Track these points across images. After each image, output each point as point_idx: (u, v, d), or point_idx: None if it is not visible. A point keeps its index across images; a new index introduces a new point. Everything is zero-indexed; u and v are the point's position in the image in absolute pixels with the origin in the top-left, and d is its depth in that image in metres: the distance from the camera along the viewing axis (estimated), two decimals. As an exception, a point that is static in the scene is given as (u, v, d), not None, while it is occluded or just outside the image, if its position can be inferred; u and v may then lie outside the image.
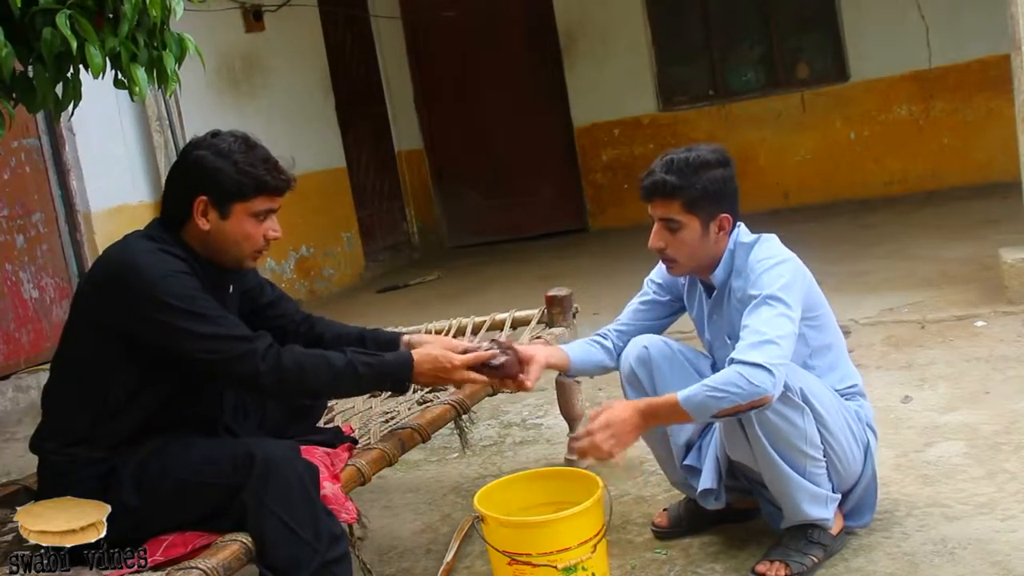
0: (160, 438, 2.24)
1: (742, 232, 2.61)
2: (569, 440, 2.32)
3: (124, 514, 2.15)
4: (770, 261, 2.49)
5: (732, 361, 2.34)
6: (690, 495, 2.80)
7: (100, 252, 2.46)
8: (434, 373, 2.42)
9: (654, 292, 2.85)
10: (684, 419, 2.42)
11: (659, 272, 2.84)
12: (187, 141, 2.38)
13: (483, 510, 2.35)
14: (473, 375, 2.46)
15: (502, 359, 2.50)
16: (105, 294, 2.21)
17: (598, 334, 2.84)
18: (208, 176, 2.25)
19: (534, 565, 2.25)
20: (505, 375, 2.53)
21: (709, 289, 2.68)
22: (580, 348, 2.80)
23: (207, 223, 2.27)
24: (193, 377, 2.26)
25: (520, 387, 2.57)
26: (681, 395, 2.35)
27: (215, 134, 2.32)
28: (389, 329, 2.81)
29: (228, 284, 2.43)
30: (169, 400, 2.26)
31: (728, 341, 2.55)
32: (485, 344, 2.58)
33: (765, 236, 2.61)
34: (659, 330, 2.83)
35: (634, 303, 2.87)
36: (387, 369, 2.35)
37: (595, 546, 2.31)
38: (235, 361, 2.18)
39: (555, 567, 2.25)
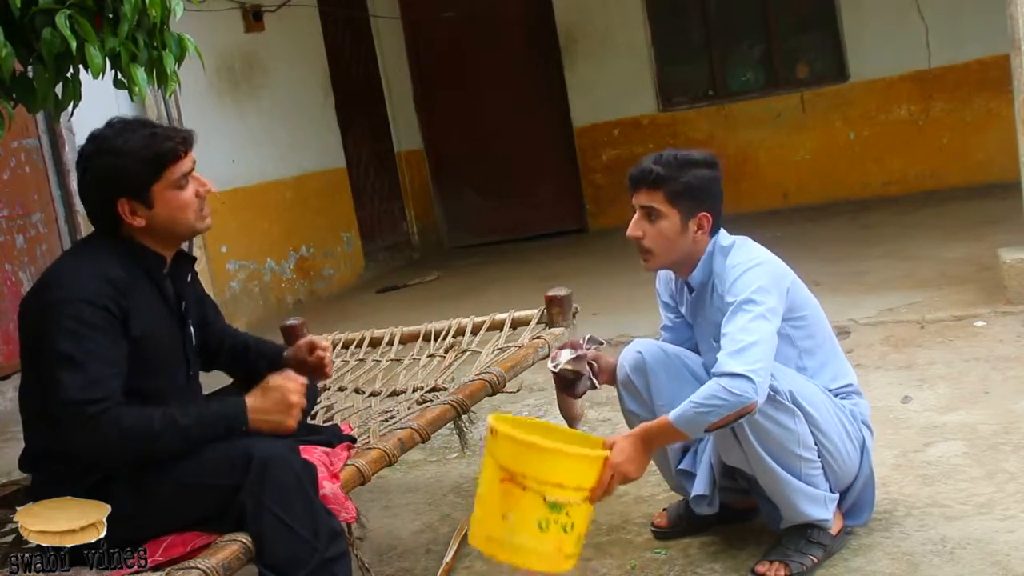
0: None
1: (722, 235, 2.63)
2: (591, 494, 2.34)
3: (122, 518, 2.14)
4: (744, 266, 2.51)
5: (713, 374, 2.37)
6: (686, 498, 2.80)
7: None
8: (272, 422, 2.28)
9: (668, 317, 2.88)
10: (680, 437, 2.46)
11: (663, 289, 2.85)
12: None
13: (498, 424, 2.33)
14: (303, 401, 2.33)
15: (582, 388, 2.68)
16: (30, 311, 2.23)
17: None
18: (113, 180, 2.22)
19: (524, 488, 2.23)
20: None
21: (690, 289, 2.71)
22: None
23: (140, 219, 2.24)
24: (144, 387, 2.23)
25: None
26: (672, 415, 2.38)
27: (94, 137, 2.26)
28: (308, 338, 2.72)
29: (185, 274, 2.42)
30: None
31: (714, 344, 2.56)
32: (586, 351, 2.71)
33: (740, 239, 2.63)
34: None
35: (661, 333, 2.90)
36: (215, 424, 2.24)
37: (586, 500, 2.29)
38: (60, 421, 2.12)
39: (544, 497, 2.22)
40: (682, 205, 2.56)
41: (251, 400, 2.28)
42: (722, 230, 2.64)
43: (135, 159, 2.20)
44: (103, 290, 2.16)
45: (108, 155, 2.22)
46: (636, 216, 2.61)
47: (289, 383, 2.32)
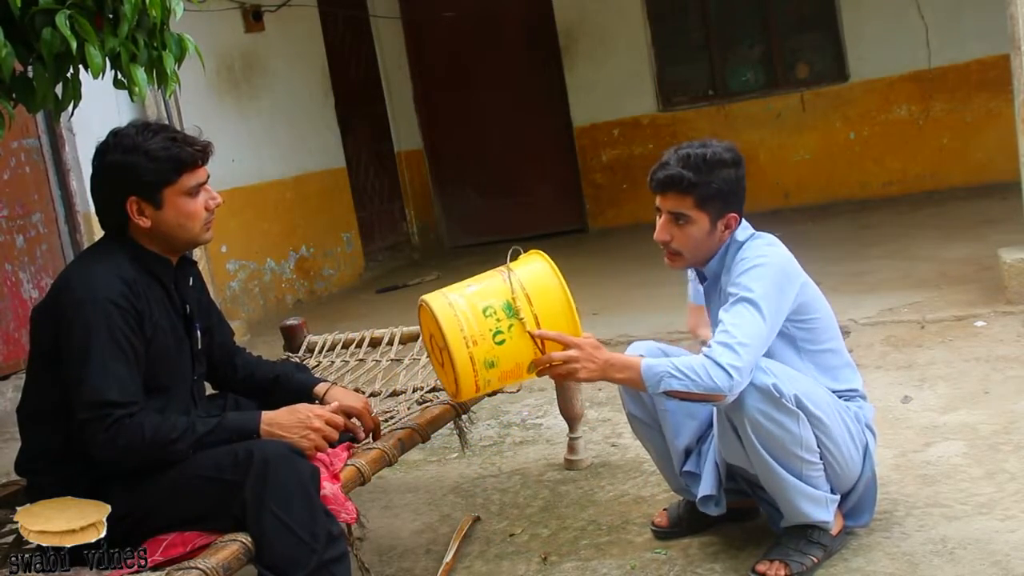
0: None
1: (739, 230, 2.62)
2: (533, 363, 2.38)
3: (124, 510, 2.16)
4: (752, 262, 2.50)
5: (703, 352, 2.38)
6: (690, 500, 2.80)
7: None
8: (285, 439, 2.28)
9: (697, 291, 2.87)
10: (635, 384, 2.43)
11: (692, 292, 2.85)
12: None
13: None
14: (327, 430, 2.35)
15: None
16: (51, 311, 2.23)
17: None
18: (127, 176, 2.24)
19: (505, 280, 2.37)
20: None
21: (703, 277, 2.71)
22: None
23: (146, 220, 2.27)
24: (150, 387, 2.24)
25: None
26: (645, 362, 2.38)
27: (115, 133, 2.30)
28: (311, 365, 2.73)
29: (187, 277, 2.45)
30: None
31: None
32: None
33: (758, 234, 2.62)
34: None
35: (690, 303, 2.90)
36: (229, 433, 2.27)
37: (541, 344, 2.34)
38: (84, 423, 2.13)
39: (511, 295, 2.34)
40: (712, 208, 2.54)
41: (270, 413, 2.32)
42: (742, 222, 2.62)
43: (153, 158, 2.24)
44: (124, 291, 2.20)
45: (127, 152, 2.25)
46: (663, 220, 2.59)
47: (316, 408, 2.38)
